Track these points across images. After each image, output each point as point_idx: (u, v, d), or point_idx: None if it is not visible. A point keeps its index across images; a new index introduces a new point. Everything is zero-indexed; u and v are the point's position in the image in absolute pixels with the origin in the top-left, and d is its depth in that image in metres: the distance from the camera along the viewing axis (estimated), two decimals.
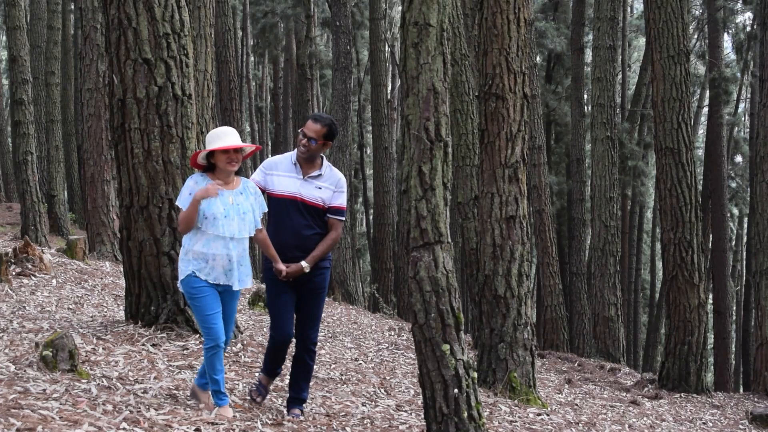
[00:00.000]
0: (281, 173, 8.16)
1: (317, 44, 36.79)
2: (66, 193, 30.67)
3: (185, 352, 9.44)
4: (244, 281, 7.72)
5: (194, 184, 7.48)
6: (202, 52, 18.02)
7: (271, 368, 8.35)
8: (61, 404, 6.85)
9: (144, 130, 10.06)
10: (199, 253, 7.44)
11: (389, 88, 39.82)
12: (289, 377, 8.50)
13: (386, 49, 33.80)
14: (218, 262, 7.46)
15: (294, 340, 8.28)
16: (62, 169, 25.61)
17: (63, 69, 29.81)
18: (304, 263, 7.97)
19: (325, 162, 8.33)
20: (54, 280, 13.99)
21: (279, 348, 8.21)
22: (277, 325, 8.14)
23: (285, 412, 8.19)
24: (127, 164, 10.15)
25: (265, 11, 37.76)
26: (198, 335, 10.00)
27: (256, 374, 8.85)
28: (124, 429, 6.63)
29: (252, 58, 45.47)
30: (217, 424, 7.25)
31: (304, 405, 8.35)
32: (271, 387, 8.59)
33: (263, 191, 8.07)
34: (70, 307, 12.03)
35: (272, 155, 42.30)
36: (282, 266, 7.86)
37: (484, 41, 11.46)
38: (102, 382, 7.84)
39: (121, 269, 11.29)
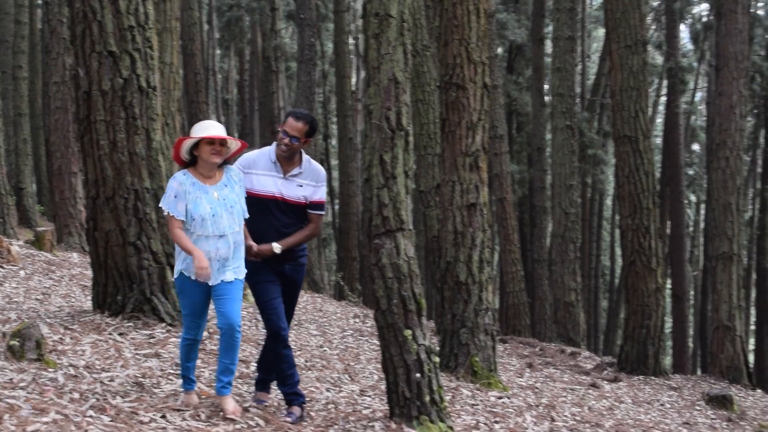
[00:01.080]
0: (260, 172, 7.78)
1: (282, 37, 36.63)
2: (35, 185, 30.46)
3: (152, 340, 9.41)
4: (239, 271, 7.34)
5: (178, 186, 7.15)
6: (168, 45, 17.95)
7: (265, 372, 8.01)
8: (28, 393, 6.83)
9: (109, 122, 10.00)
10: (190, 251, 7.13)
11: (354, 79, 39.75)
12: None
13: (351, 41, 33.76)
14: (209, 261, 7.09)
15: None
16: (30, 162, 25.45)
17: (31, 63, 29.56)
18: (275, 244, 7.64)
19: (305, 156, 7.93)
20: (22, 272, 13.89)
21: (273, 341, 7.74)
22: (270, 320, 7.72)
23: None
24: (93, 156, 10.09)
25: (230, 4, 37.64)
26: (164, 324, 9.98)
27: (251, 393, 8.28)
28: (90, 417, 6.61)
29: (218, 51, 45.21)
30: (182, 410, 7.24)
31: (303, 407, 7.90)
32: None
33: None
34: (38, 297, 11.96)
35: None
36: (252, 243, 7.59)
37: (444, 32, 11.47)
38: (69, 370, 7.81)
39: (89, 260, 11.23)
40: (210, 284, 7.18)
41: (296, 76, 28.86)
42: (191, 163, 7.28)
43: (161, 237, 10.20)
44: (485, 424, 9.18)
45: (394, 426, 7.87)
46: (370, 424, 7.72)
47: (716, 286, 19.08)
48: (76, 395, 7.09)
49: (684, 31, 39.71)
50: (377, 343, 8.50)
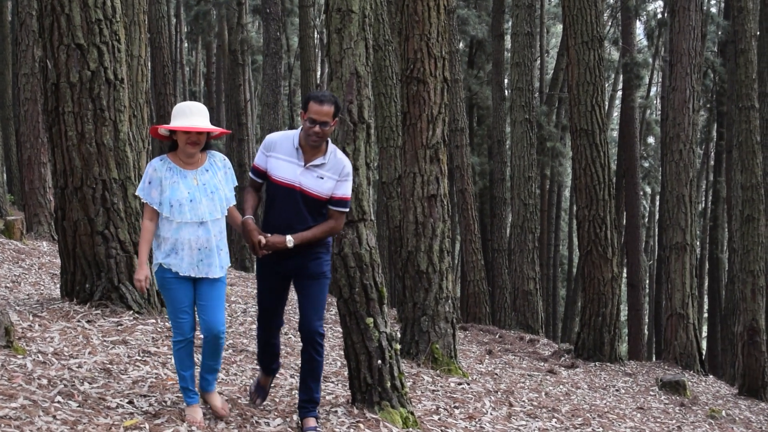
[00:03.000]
0: (281, 156, 6.97)
1: (248, 31, 36.57)
2: (5, 175, 30.25)
3: (119, 327, 9.38)
4: (223, 267, 6.89)
5: (153, 172, 6.70)
6: (136, 38, 17.86)
7: (265, 363, 7.55)
8: None
9: (77, 113, 9.97)
10: (168, 240, 6.67)
11: (318, 72, 39.72)
12: (299, 377, 7.40)
13: (315, 35, 33.70)
14: (189, 251, 6.63)
15: (299, 334, 7.27)
16: (0, 152, 25.28)
17: (1, 55, 29.36)
18: (288, 237, 6.88)
19: (330, 146, 7.06)
20: None
21: (265, 338, 7.39)
22: (260, 314, 7.35)
23: (299, 421, 7.29)
24: (61, 146, 10.06)
25: None
26: (132, 311, 9.97)
27: (256, 374, 8.02)
28: (58, 402, 6.60)
29: (186, 44, 45.15)
30: (149, 396, 7.23)
31: (318, 409, 7.36)
32: (271, 386, 7.85)
33: (264, 173, 7.03)
34: (8, 285, 11.89)
35: None
36: (261, 236, 6.86)
37: (405, 27, 11.49)
38: (38, 357, 7.77)
39: (57, 249, 11.18)
40: (192, 276, 6.70)
41: (262, 69, 28.83)
42: (172, 147, 6.82)
43: (128, 226, 10.17)
44: (445, 409, 9.22)
45: (356, 411, 7.89)
46: (333, 409, 7.73)
47: (670, 275, 19.19)
48: (45, 381, 7.06)
49: (639, 28, 39.98)
50: (340, 330, 8.49)
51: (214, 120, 40.79)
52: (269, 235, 6.92)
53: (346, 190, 7.05)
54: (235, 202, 7.01)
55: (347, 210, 7.19)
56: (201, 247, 6.68)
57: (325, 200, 6.99)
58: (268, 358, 7.52)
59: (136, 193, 6.86)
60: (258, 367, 7.89)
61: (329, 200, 7.01)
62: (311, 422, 7.11)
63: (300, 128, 7.02)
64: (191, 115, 6.66)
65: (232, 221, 7.08)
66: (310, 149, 6.92)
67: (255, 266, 7.62)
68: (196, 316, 6.89)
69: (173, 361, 6.87)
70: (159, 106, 27.38)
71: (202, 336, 6.82)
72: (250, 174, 7.20)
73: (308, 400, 7.21)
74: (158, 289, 7.13)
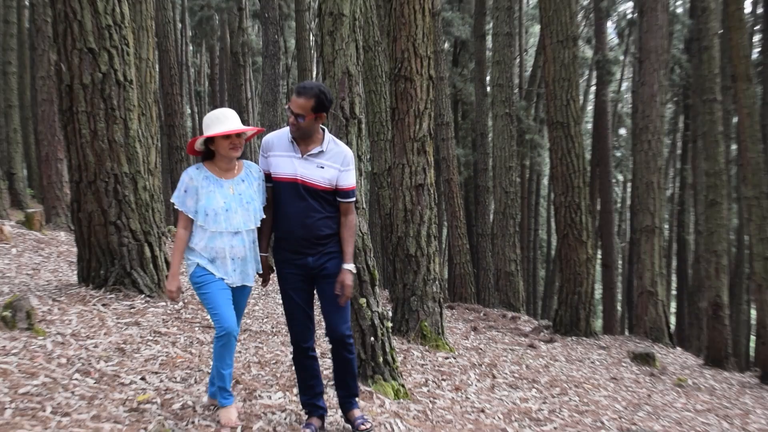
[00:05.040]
0: (278, 153, 6.36)
1: (249, 34, 36.45)
2: (25, 171, 30.18)
3: (132, 310, 9.39)
4: (252, 276, 6.37)
5: (189, 180, 6.16)
6: (144, 42, 17.84)
7: (307, 393, 6.57)
8: (19, 359, 6.81)
9: (90, 112, 9.98)
10: (204, 249, 6.12)
11: (314, 72, 39.61)
12: (333, 379, 6.76)
13: (311, 37, 33.60)
14: (223, 260, 6.12)
15: (328, 338, 6.56)
16: (21, 150, 25.21)
17: (19, 59, 29.24)
18: (346, 266, 6.33)
19: (328, 135, 6.42)
20: (14, 249, 13.81)
21: (300, 356, 6.53)
22: (292, 330, 6.49)
23: (343, 420, 6.72)
24: (75, 143, 10.07)
25: (201, 5, 37.40)
26: (143, 295, 9.98)
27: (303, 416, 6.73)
28: (76, 379, 6.60)
29: (190, 47, 44.98)
30: (160, 372, 7.24)
31: (357, 400, 6.72)
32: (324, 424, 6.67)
33: (269, 176, 6.39)
34: (29, 272, 11.89)
35: None
36: (272, 274, 6.48)
37: (393, 29, 11.48)
38: (57, 338, 7.78)
39: (74, 238, 11.18)
40: (230, 284, 6.17)
41: (262, 70, 28.74)
42: (208, 156, 6.28)
43: (139, 217, 10.19)
44: (434, 381, 9.24)
45: None
46: (330, 383, 7.74)
47: (640, 256, 19.25)
48: (64, 360, 7.07)
49: (611, 27, 39.91)
50: None
51: None
52: (341, 282, 6.32)
53: (351, 180, 6.40)
54: (264, 216, 6.37)
55: (354, 199, 6.51)
56: (235, 257, 6.19)
57: (329, 189, 6.32)
58: (308, 386, 6.57)
59: (172, 200, 6.23)
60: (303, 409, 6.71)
61: (335, 191, 6.35)
62: (357, 413, 6.60)
63: None
64: (226, 120, 6.20)
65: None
66: (301, 139, 6.30)
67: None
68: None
69: (213, 358, 6.24)
70: (166, 105, 27.32)
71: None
72: None
73: (349, 395, 6.64)
74: (196, 293, 6.37)
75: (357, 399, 6.69)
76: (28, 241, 15.02)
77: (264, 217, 6.32)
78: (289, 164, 6.31)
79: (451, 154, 23.80)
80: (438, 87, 21.47)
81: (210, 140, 6.19)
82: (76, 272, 10.82)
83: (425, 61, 11.49)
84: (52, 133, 19.70)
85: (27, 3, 32.43)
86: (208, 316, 9.84)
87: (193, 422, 6.08)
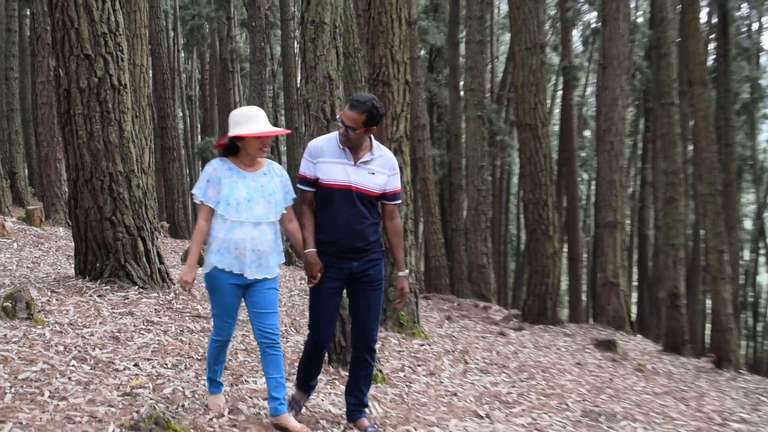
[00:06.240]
0: (329, 160, 6.07)
1: (237, 42, 36.43)
2: (26, 170, 30.06)
3: (126, 301, 9.38)
4: (277, 266, 6.08)
5: (212, 171, 5.90)
6: (139, 49, 17.81)
7: (306, 378, 6.52)
8: (19, 347, 6.82)
9: (86, 115, 9.98)
10: (224, 240, 5.81)
11: (299, 77, 39.52)
12: (347, 383, 6.58)
13: (295, 45, 33.55)
14: (243, 251, 5.81)
15: (352, 343, 6.49)
16: (22, 150, 25.12)
17: (21, 65, 29.07)
18: (402, 273, 6.35)
19: (374, 142, 6.24)
20: (15, 244, 13.76)
21: (317, 352, 6.37)
22: (318, 326, 6.26)
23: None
24: (73, 144, 10.07)
25: (192, 14, 37.37)
26: (137, 287, 9.97)
27: (290, 391, 6.73)
28: (73, 366, 6.61)
29: (182, 54, 44.76)
30: (152, 359, 7.24)
31: (367, 411, 6.58)
32: (306, 403, 6.73)
33: (316, 182, 6.11)
34: (29, 266, 11.84)
35: (201, 138, 42.42)
36: (320, 272, 6.10)
37: (372, 36, 11.47)
38: (55, 327, 7.77)
39: (72, 233, 11.16)
40: (248, 277, 5.86)
41: (249, 76, 28.70)
42: (231, 151, 6.02)
43: (133, 213, 10.19)
44: (410, 367, 9.26)
45: (332, 370, 7.94)
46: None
47: (603, 250, 19.34)
48: (61, 348, 7.07)
49: (576, 36, 40.00)
50: None
51: (208, 120, 40.46)
52: (400, 290, 6.34)
53: (397, 183, 6.29)
54: (290, 215, 6.18)
55: (400, 201, 6.40)
56: (255, 249, 5.86)
57: (377, 195, 6.17)
58: (313, 372, 6.50)
59: (193, 192, 5.95)
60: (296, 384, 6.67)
61: (382, 195, 6.22)
62: (365, 422, 6.41)
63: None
64: (257, 120, 5.91)
65: (293, 238, 6.24)
66: (353, 147, 6.07)
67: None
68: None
69: (207, 354, 6.14)
70: (159, 108, 27.35)
71: (258, 345, 6.07)
72: (299, 185, 6.19)
73: (359, 404, 6.48)
74: (207, 290, 6.02)
75: (367, 410, 6.52)
76: (29, 236, 14.96)
77: (285, 212, 6.07)
78: (341, 171, 6.06)
79: (427, 154, 23.84)
80: (414, 91, 21.49)
81: (238, 137, 5.91)
82: (73, 265, 10.79)
83: (402, 66, 11.49)
84: (51, 135, 19.65)
85: (28, 12, 32.29)
86: (197, 306, 9.83)
87: (183, 405, 6.08)
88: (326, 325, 6.22)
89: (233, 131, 5.89)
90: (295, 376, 6.80)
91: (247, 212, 5.84)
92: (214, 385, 6.18)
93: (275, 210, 5.97)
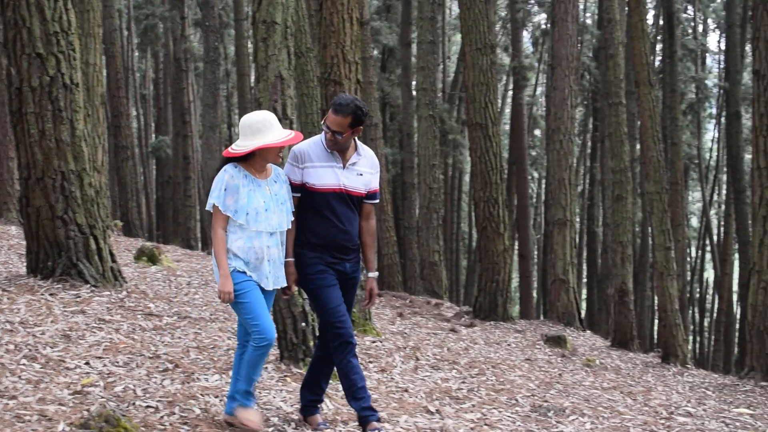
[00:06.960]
0: (317, 164, 6.03)
1: (191, 41, 36.18)
2: None
3: (78, 299, 9.31)
4: (284, 277, 6.04)
5: (229, 178, 5.76)
6: (92, 48, 17.62)
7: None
8: None
9: (38, 113, 9.93)
10: (241, 249, 5.76)
11: (252, 77, 39.40)
12: (306, 378, 6.53)
13: (249, 44, 33.38)
14: (261, 261, 5.79)
15: (320, 340, 6.43)
16: None
17: None
18: (372, 274, 6.38)
19: (358, 142, 6.23)
20: None
21: (351, 354, 6.19)
22: (340, 326, 6.06)
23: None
24: (24, 143, 10.02)
25: (146, 14, 37.04)
26: (89, 285, 9.88)
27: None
28: (23, 364, 6.55)
29: (136, 53, 44.38)
30: (103, 358, 7.18)
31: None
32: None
33: (302, 187, 6.06)
34: None
35: (155, 137, 42.13)
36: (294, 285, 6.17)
37: (323, 36, 11.46)
38: (5, 326, 7.70)
39: (23, 232, 11.05)
40: (266, 288, 5.86)
41: (203, 75, 28.64)
42: (242, 157, 5.87)
43: (85, 212, 10.14)
44: (361, 363, 9.24)
45: (283, 367, 7.94)
46: (264, 366, 7.73)
47: (553, 247, 19.46)
48: (12, 347, 7.01)
49: (526, 37, 40.23)
50: None
51: (162, 118, 40.23)
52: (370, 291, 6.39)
53: (377, 182, 6.31)
54: (293, 219, 6.05)
55: (378, 201, 6.43)
56: (270, 259, 5.86)
57: (364, 195, 6.20)
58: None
59: (213, 203, 5.76)
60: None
61: (366, 195, 6.23)
62: (318, 418, 6.38)
63: (322, 134, 6.13)
64: (275, 125, 5.89)
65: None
66: (339, 151, 6.06)
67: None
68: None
69: (244, 365, 5.87)
70: (113, 107, 27.25)
71: (239, 343, 6.05)
72: None
73: (317, 400, 6.47)
74: (236, 296, 5.75)
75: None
76: None
77: (293, 219, 6.01)
78: (331, 174, 6.03)
79: (380, 152, 23.83)
80: (367, 91, 21.47)
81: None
82: (25, 264, 10.68)
83: (353, 66, 11.49)
84: (3, 134, 19.40)
85: None
86: (150, 305, 9.76)
87: (134, 404, 6.04)
88: (343, 320, 6.09)
89: (259, 141, 5.78)
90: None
91: (265, 222, 5.79)
92: (247, 397, 5.92)
93: (287, 218, 5.95)
